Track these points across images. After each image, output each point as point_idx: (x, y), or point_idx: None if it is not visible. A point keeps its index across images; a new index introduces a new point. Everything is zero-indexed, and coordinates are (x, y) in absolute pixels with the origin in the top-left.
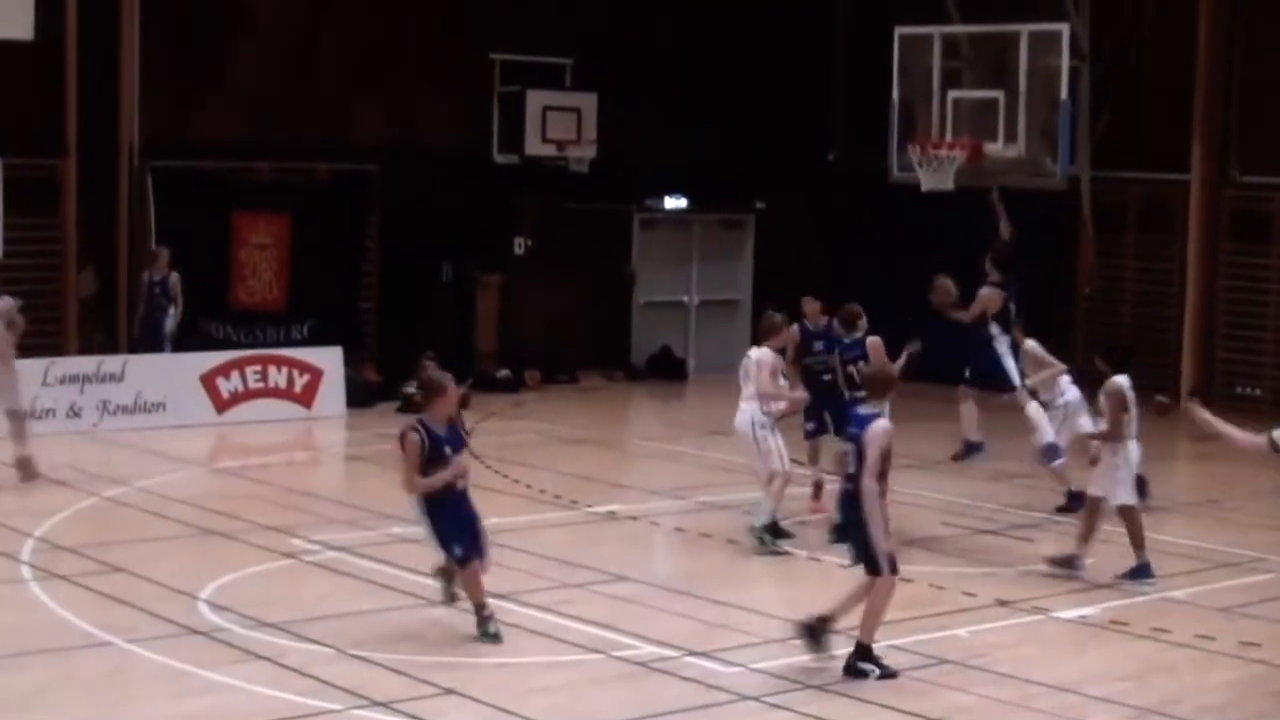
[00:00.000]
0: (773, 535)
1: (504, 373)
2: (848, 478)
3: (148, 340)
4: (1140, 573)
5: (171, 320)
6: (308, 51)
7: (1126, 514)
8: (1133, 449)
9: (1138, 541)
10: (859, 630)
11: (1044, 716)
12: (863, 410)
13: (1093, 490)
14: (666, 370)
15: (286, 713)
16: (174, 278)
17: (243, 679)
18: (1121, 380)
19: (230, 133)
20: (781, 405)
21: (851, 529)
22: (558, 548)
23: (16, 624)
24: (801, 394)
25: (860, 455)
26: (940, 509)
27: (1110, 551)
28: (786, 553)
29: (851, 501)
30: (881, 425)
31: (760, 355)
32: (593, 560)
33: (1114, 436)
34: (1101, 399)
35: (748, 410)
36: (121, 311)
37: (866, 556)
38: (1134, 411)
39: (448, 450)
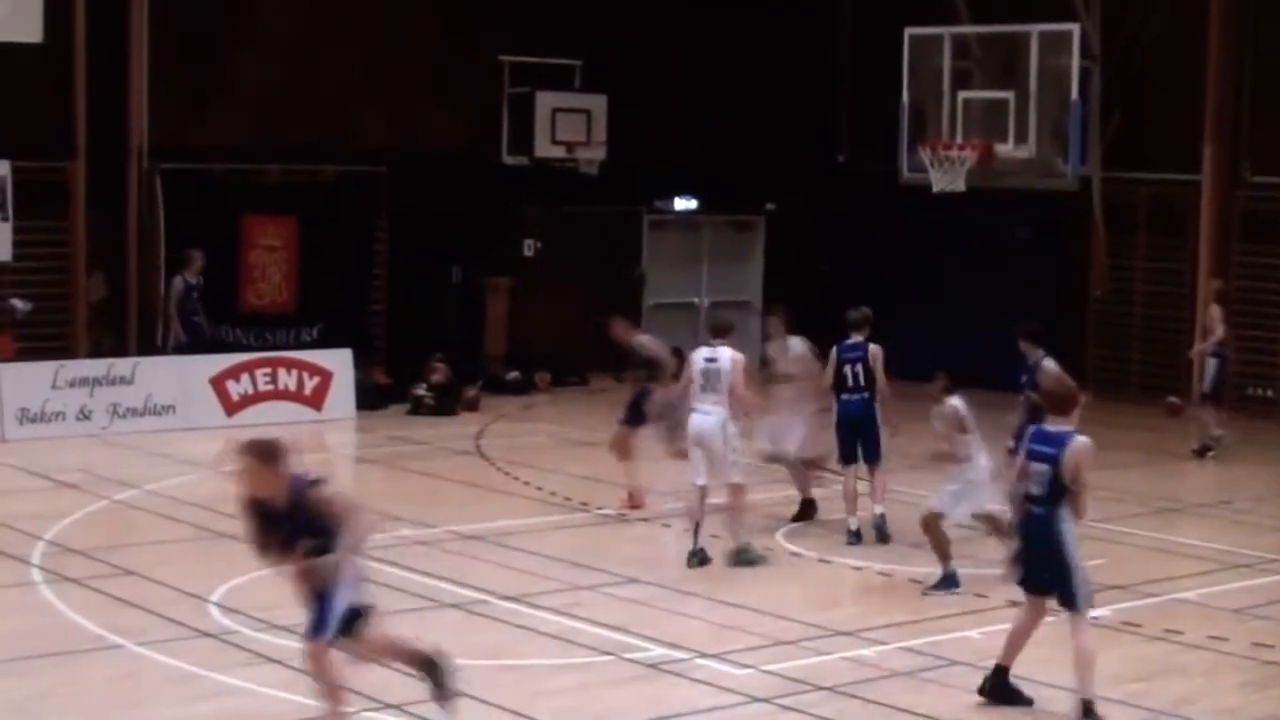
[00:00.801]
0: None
1: (514, 375)
2: (1035, 500)
3: (194, 344)
4: (947, 582)
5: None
6: (315, 54)
7: (931, 524)
8: (979, 466)
9: (942, 554)
10: (1079, 684)
11: (1057, 718)
12: (1052, 428)
13: (933, 505)
14: (676, 372)
15: (298, 715)
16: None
17: (253, 681)
18: (955, 403)
19: (239, 135)
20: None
21: (1041, 556)
22: (568, 550)
23: (27, 627)
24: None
25: (1056, 476)
26: None
27: (1124, 554)
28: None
29: (1042, 526)
30: (1084, 442)
31: (735, 356)
32: (603, 562)
33: (958, 459)
34: (936, 423)
35: (716, 415)
36: (131, 314)
37: (1063, 589)
38: (975, 431)
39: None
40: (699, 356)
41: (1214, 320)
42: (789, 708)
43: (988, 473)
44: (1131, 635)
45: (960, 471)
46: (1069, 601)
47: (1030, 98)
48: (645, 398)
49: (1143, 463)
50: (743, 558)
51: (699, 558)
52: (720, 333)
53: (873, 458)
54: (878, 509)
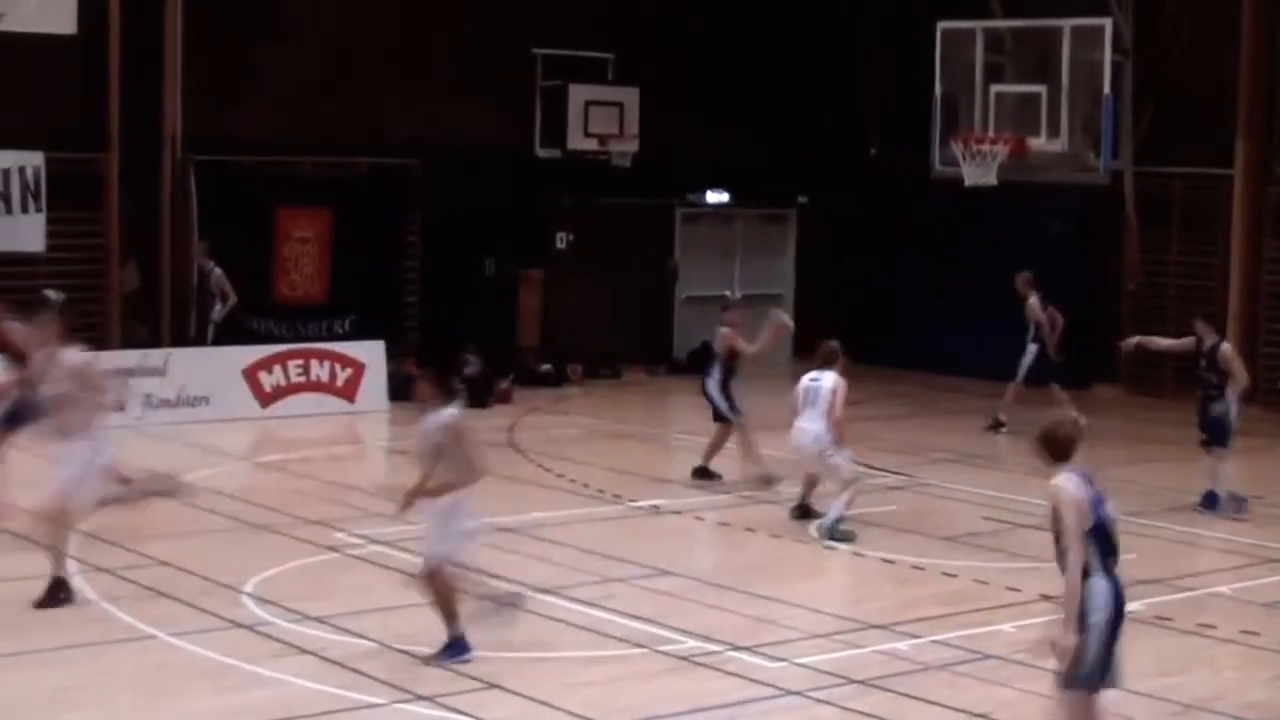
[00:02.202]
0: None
1: (546, 367)
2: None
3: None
4: (454, 649)
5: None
6: (348, 46)
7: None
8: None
9: (449, 613)
10: None
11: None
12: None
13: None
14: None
15: (330, 706)
16: (217, 272)
17: (286, 673)
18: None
19: (272, 127)
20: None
21: None
22: (601, 542)
23: (61, 617)
24: None
25: None
26: (980, 503)
27: (1156, 548)
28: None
29: None
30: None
31: (838, 383)
32: (636, 554)
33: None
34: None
35: (811, 431)
36: (164, 305)
37: None
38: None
39: None
40: (805, 378)
41: (1033, 311)
42: (822, 700)
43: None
44: (1163, 629)
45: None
46: None
47: (1062, 92)
48: None
49: (1174, 457)
50: (835, 532)
51: (801, 510)
52: (828, 361)
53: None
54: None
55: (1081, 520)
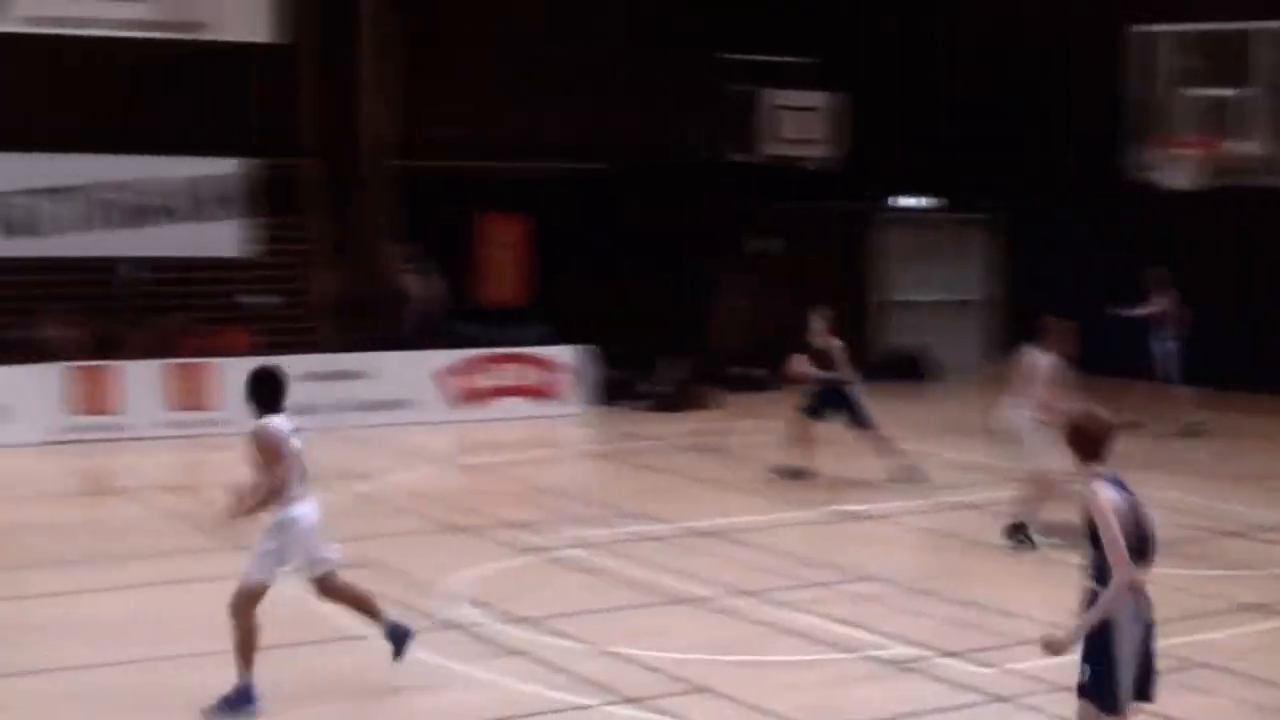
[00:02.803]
0: (1019, 537)
1: (743, 371)
2: None
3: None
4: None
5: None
6: (545, 52)
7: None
8: (301, 515)
9: (246, 656)
10: None
11: None
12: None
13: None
14: (905, 369)
15: (541, 708)
16: (418, 277)
17: (497, 673)
18: (277, 422)
19: (469, 133)
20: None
21: None
22: (802, 546)
23: (272, 617)
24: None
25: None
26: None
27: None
28: (1034, 547)
29: None
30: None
31: (1045, 360)
32: (839, 559)
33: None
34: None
35: (1022, 411)
36: (364, 310)
37: None
38: (297, 463)
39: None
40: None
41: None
42: (1031, 707)
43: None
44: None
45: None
46: None
47: (1258, 95)
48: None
49: None
50: (1015, 536)
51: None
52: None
53: None
54: None
55: (1122, 529)
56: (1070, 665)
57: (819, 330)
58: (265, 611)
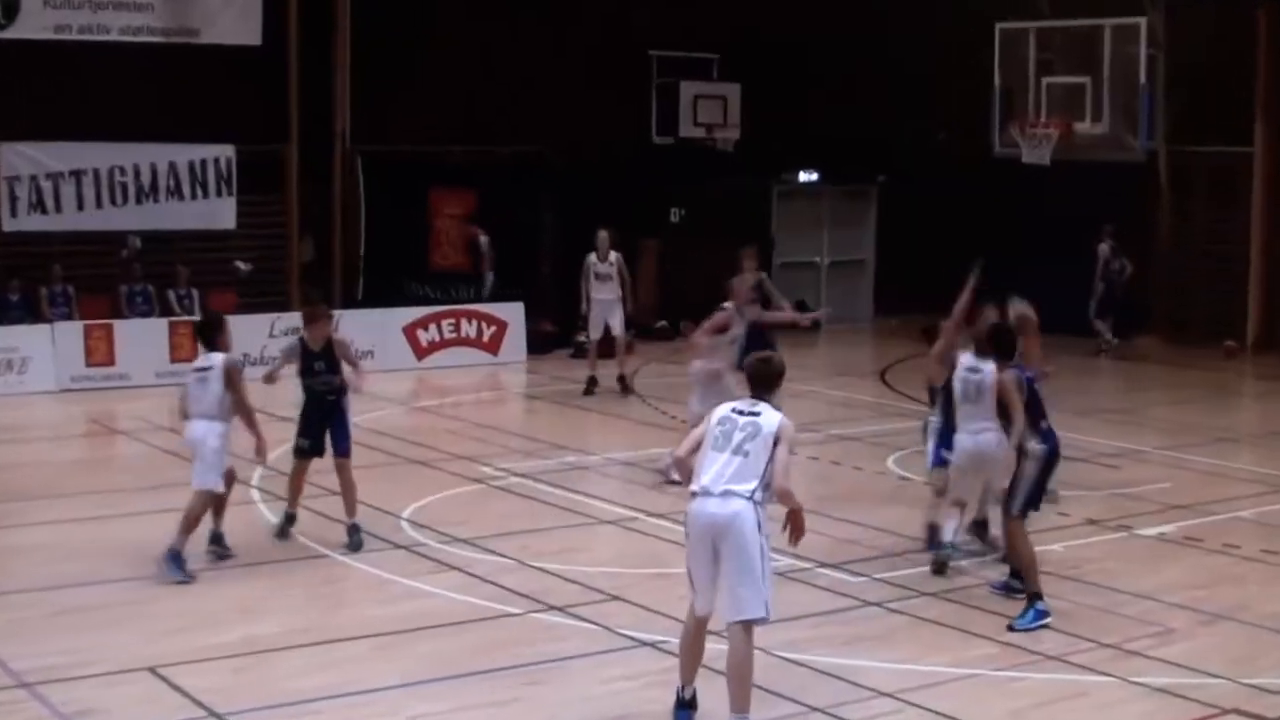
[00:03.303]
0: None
1: (662, 324)
2: None
3: None
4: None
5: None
6: (492, 53)
7: None
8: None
9: (187, 530)
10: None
11: (1129, 620)
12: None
13: None
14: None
15: (476, 615)
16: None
17: (439, 586)
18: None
19: (426, 122)
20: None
21: None
22: None
23: (247, 539)
24: None
25: None
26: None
27: (1186, 478)
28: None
29: None
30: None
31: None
32: None
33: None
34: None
35: (996, 432)
36: (335, 273)
37: None
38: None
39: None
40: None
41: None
42: (895, 610)
43: None
44: (1193, 548)
45: None
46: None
47: (1104, 82)
48: None
49: (1203, 399)
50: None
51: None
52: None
53: None
54: None
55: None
56: (922, 577)
57: (750, 268)
58: (254, 541)
